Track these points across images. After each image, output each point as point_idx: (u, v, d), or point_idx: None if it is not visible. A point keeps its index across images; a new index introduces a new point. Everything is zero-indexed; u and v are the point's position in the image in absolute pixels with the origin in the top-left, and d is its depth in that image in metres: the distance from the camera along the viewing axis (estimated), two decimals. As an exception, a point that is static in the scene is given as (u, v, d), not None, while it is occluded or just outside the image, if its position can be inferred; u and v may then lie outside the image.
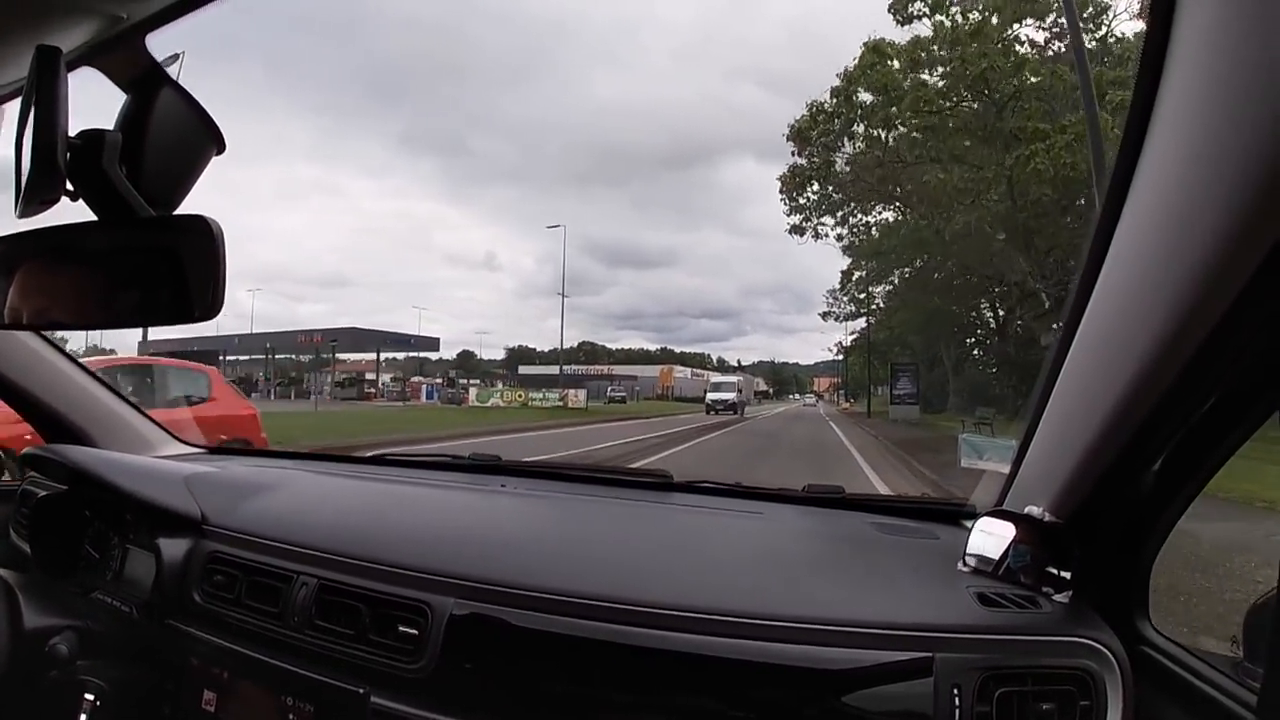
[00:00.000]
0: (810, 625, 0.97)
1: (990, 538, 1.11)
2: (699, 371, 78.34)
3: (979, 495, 1.43)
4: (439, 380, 44.67)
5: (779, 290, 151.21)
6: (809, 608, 1.01)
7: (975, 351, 30.74)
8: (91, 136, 0.72)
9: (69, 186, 0.72)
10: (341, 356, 48.02)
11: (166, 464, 1.74)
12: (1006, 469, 1.26)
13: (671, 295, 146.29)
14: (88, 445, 1.79)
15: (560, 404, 37.78)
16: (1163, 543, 1.00)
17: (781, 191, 20.48)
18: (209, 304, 0.74)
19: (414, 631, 1.11)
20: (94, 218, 0.76)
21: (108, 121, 0.76)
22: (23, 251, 0.83)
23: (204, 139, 0.81)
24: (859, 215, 21.89)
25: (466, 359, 74.85)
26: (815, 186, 20.22)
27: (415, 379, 46.82)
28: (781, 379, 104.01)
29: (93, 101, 0.76)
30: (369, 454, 2.13)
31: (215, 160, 0.82)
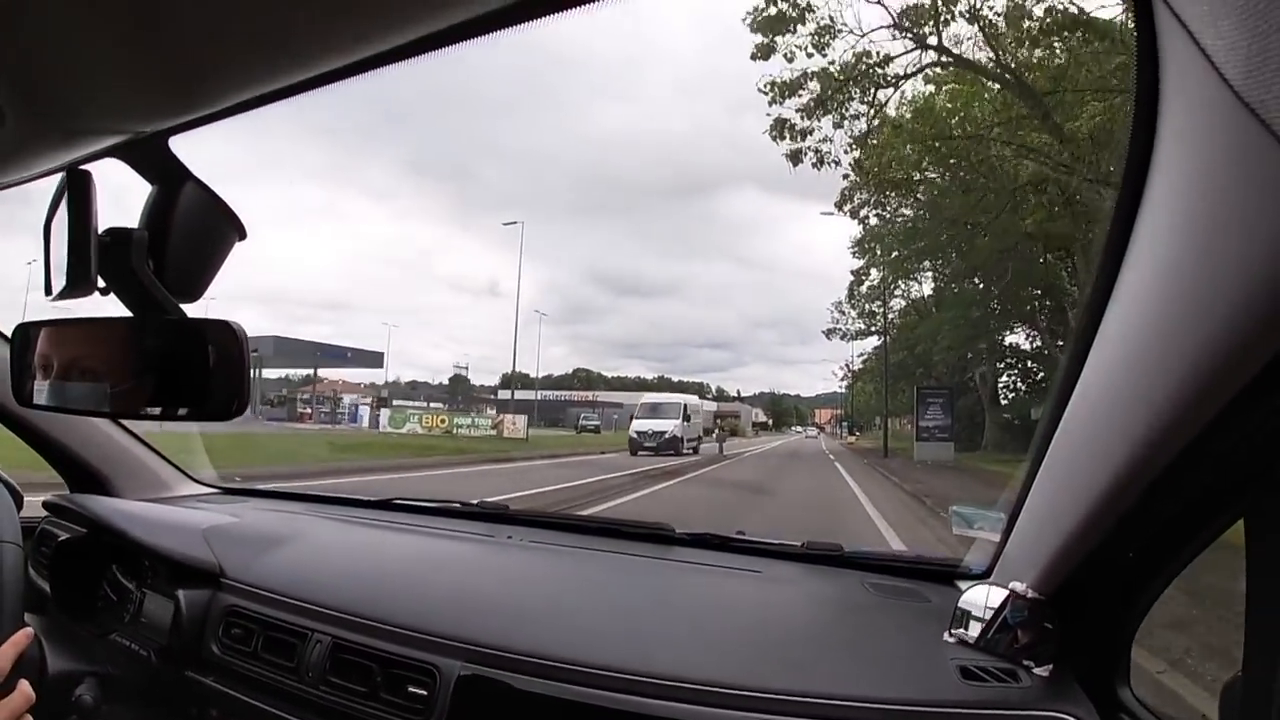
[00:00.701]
0: (800, 698, 1.02)
1: (976, 609, 1.15)
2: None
3: (971, 557, 1.46)
4: (369, 401, 42.58)
5: (780, 322, 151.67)
6: (802, 679, 1.06)
7: (1008, 377, 26.95)
8: (120, 235, 0.77)
9: (100, 283, 0.76)
10: (326, 374, 47.55)
11: (185, 514, 1.79)
12: (997, 537, 1.30)
13: (674, 325, 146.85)
14: (107, 488, 1.86)
15: (493, 432, 32.23)
16: (1144, 616, 1.03)
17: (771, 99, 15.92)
18: (232, 405, 0.78)
19: (423, 692, 1.15)
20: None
21: (134, 208, 0.80)
22: (54, 337, 0.88)
23: (226, 229, 0.85)
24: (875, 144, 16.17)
25: (458, 383, 74.47)
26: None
27: (349, 399, 45.52)
28: (780, 409, 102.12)
29: (117, 192, 0.80)
30: (379, 499, 2.17)
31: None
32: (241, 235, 0.85)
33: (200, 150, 0.80)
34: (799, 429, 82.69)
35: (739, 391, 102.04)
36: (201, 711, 1.35)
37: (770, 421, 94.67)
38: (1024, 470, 1.12)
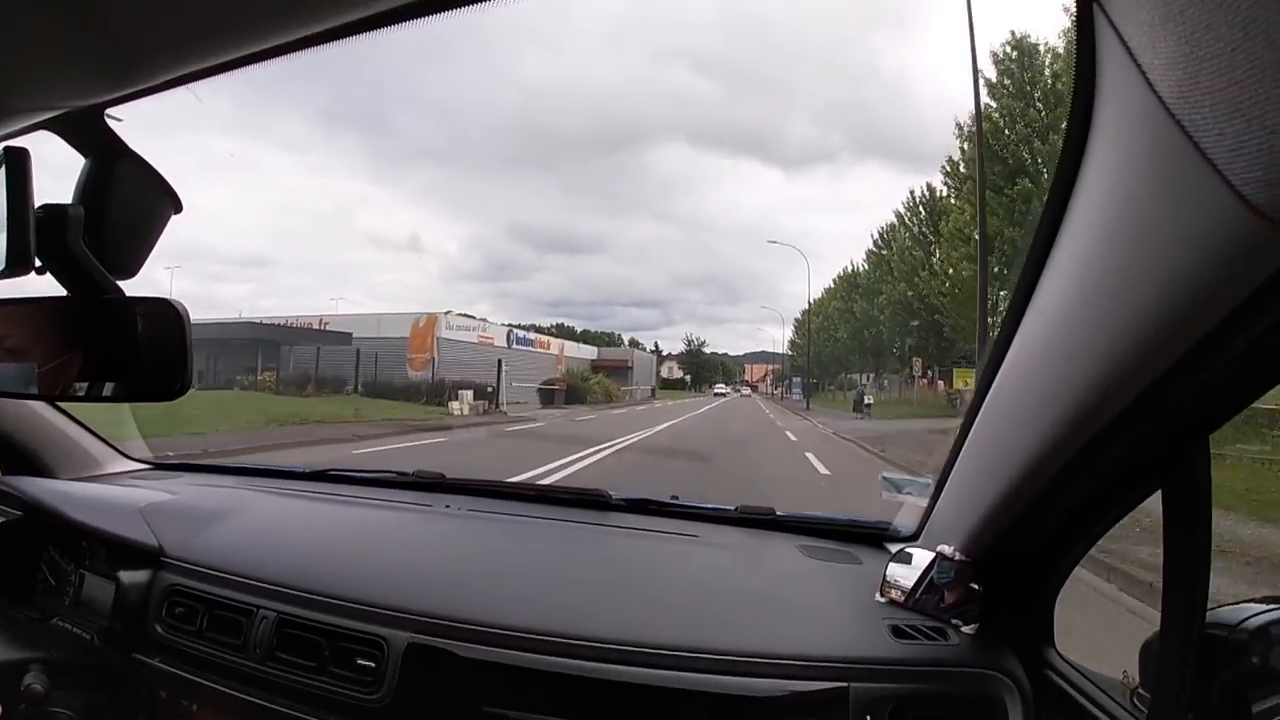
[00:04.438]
0: (740, 657, 1.07)
1: (905, 571, 1.21)
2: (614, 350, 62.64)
3: (900, 520, 1.53)
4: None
5: (707, 281, 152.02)
6: (738, 639, 1.11)
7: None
8: (55, 212, 0.74)
9: (36, 262, 0.73)
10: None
11: (121, 492, 1.75)
12: (925, 503, 1.38)
13: (601, 283, 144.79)
14: (39, 467, 1.81)
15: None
16: (1066, 578, 1.09)
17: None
18: (174, 385, 0.77)
19: (371, 664, 1.16)
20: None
21: (67, 182, 0.77)
22: None
23: (162, 203, 0.83)
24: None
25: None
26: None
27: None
28: (699, 363, 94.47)
29: (52, 164, 0.77)
30: (315, 470, 2.15)
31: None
32: (177, 208, 0.83)
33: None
34: (722, 388, 71.68)
35: (656, 344, 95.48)
36: (150, 693, 1.34)
37: (687, 378, 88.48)
38: (952, 440, 1.17)
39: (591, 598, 1.25)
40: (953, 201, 24.71)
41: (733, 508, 1.73)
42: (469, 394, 22.20)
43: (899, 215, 31.74)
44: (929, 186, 29.86)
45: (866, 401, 25.80)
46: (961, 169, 23.63)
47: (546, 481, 7.06)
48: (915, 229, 30.12)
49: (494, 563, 1.42)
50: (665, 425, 18.30)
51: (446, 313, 29.31)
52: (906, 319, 29.31)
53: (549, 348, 40.70)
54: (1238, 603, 0.91)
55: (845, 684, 1.03)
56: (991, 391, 0.97)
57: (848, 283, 42.61)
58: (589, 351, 50.34)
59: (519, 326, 44.98)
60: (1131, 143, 0.58)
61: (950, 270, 23.28)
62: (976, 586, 1.12)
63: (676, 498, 1.80)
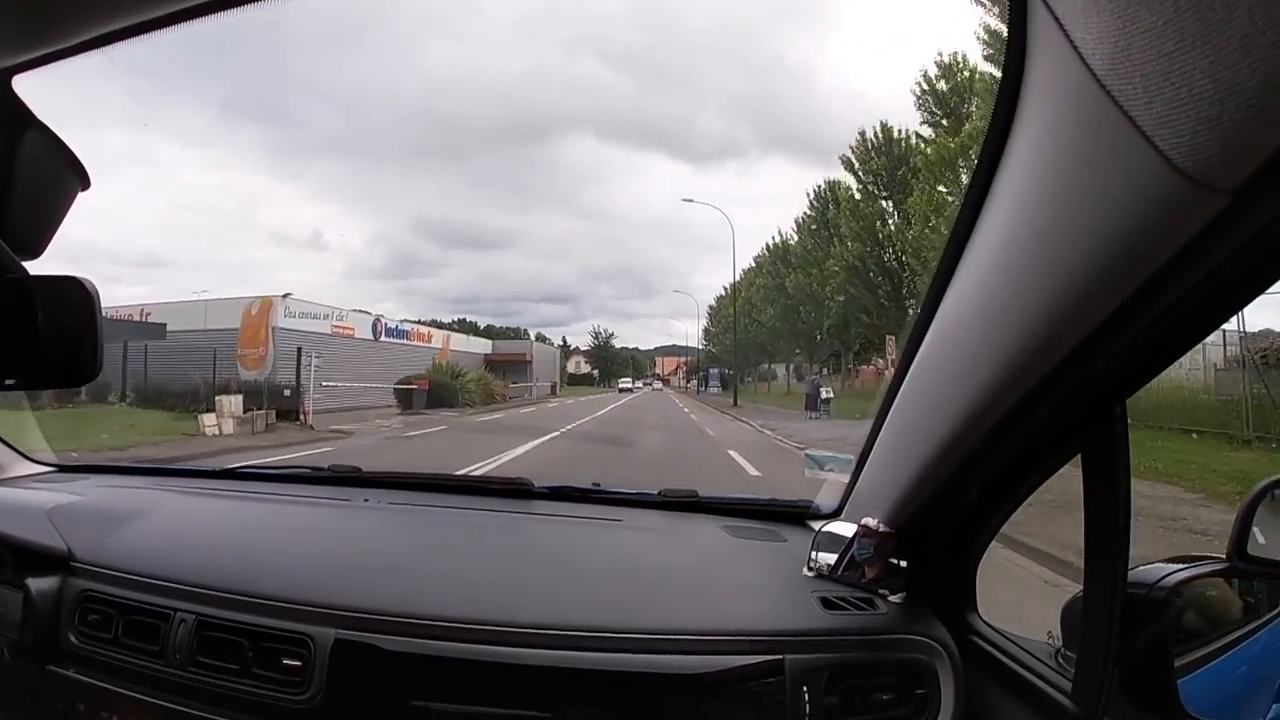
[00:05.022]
0: (672, 635, 1.08)
1: (830, 544, 1.24)
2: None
3: (822, 498, 1.58)
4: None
5: (618, 274, 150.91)
6: (670, 618, 1.12)
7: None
8: None
9: None
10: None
11: (26, 495, 1.67)
12: (846, 479, 1.41)
13: (510, 278, 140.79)
14: None
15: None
16: (986, 547, 1.14)
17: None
18: (84, 371, 0.74)
19: (297, 663, 1.12)
20: None
21: None
22: None
23: (69, 178, 0.78)
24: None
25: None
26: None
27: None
28: (608, 356, 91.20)
29: None
30: (225, 469, 2.09)
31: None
32: (85, 184, 0.79)
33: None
34: (627, 382, 65.97)
35: (565, 339, 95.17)
36: (68, 707, 1.26)
37: (595, 373, 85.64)
38: (874, 418, 1.21)
39: (519, 584, 1.24)
40: (926, 134, 22.46)
41: (656, 492, 1.74)
42: (233, 401, 15.88)
43: (846, 161, 27.50)
44: (883, 125, 26.32)
45: (824, 396, 20.07)
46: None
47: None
48: (870, 177, 26.48)
49: (418, 554, 1.39)
50: (535, 444, 11.77)
51: (285, 295, 23.04)
52: (863, 286, 25.61)
53: (430, 340, 34.35)
54: (1150, 563, 0.96)
55: (780, 656, 1.05)
56: (915, 362, 0.99)
57: (776, 256, 37.91)
58: (482, 345, 44.85)
59: (437, 323, 41.74)
60: (1061, 114, 0.59)
61: (931, 217, 19.24)
62: (896, 561, 1.16)
63: (598, 484, 1.80)
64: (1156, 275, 0.57)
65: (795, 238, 34.67)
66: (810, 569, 1.26)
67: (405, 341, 30.80)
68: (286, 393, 17.98)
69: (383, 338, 28.58)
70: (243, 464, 2.07)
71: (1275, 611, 1.05)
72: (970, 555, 1.16)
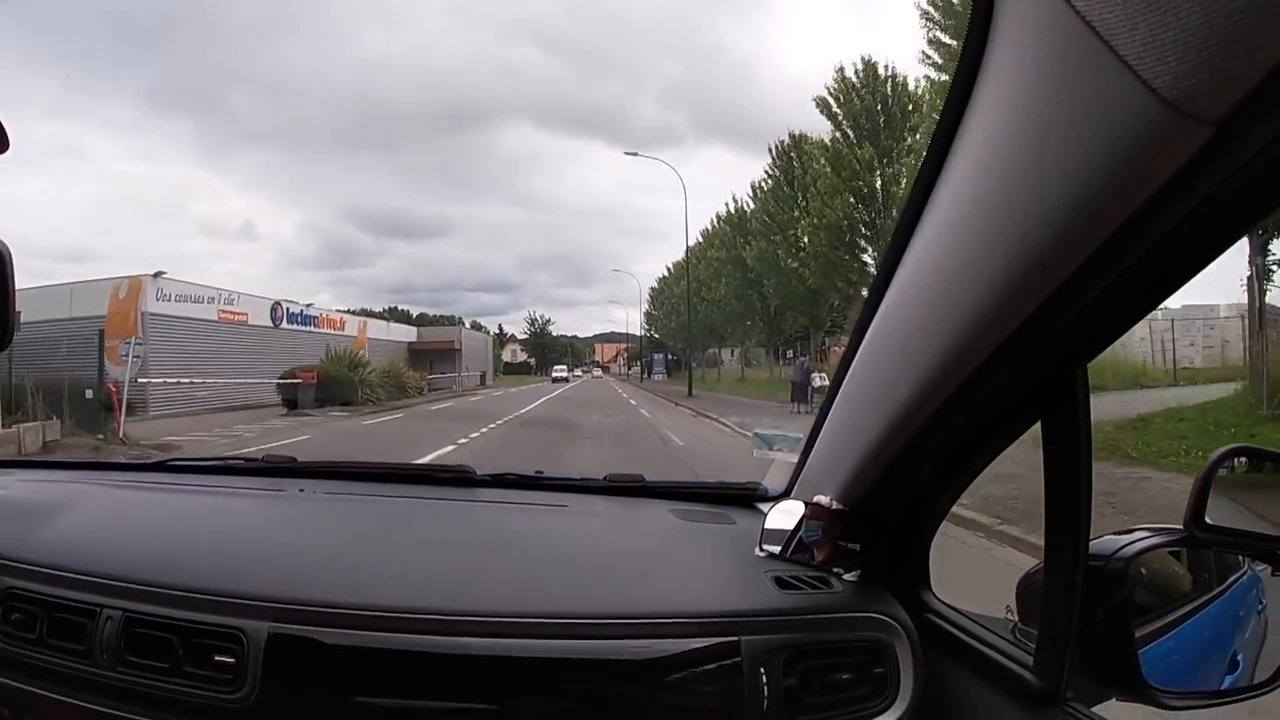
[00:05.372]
0: (624, 619, 1.04)
1: (782, 523, 1.22)
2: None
3: (770, 480, 1.56)
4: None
5: (557, 262, 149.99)
6: (622, 602, 1.08)
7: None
8: None
9: None
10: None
11: None
12: (795, 458, 1.39)
13: (447, 267, 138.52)
14: None
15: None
16: (939, 525, 1.13)
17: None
18: None
19: (230, 660, 1.05)
20: None
21: None
22: None
23: None
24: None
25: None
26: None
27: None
28: (545, 344, 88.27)
29: None
30: (152, 461, 2.01)
31: None
32: (4, 145, 0.75)
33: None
34: (562, 370, 62.21)
35: (501, 326, 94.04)
36: None
37: (532, 361, 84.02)
38: (825, 397, 1.19)
39: (465, 572, 1.18)
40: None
41: (601, 477, 1.71)
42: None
43: (822, 103, 23.44)
44: (865, 61, 22.66)
45: (816, 384, 16.61)
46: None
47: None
48: (851, 120, 22.79)
49: (357, 544, 1.33)
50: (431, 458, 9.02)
51: (157, 274, 19.82)
52: (844, 249, 22.15)
53: (342, 327, 31.13)
54: (1103, 535, 0.95)
55: (736, 638, 1.01)
56: (870, 329, 0.96)
57: (731, 224, 34.89)
58: (407, 333, 41.98)
59: (368, 312, 39.64)
60: (1037, 46, 0.56)
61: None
62: (845, 543, 1.14)
63: (541, 472, 1.75)
64: (1138, 213, 0.55)
65: (752, 204, 31.66)
66: (763, 549, 1.23)
67: (311, 329, 28.01)
68: (88, 394, 13.63)
69: (284, 324, 26.19)
70: (171, 458, 2.00)
71: (1227, 582, 1.05)
72: (923, 534, 1.14)
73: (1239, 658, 1.02)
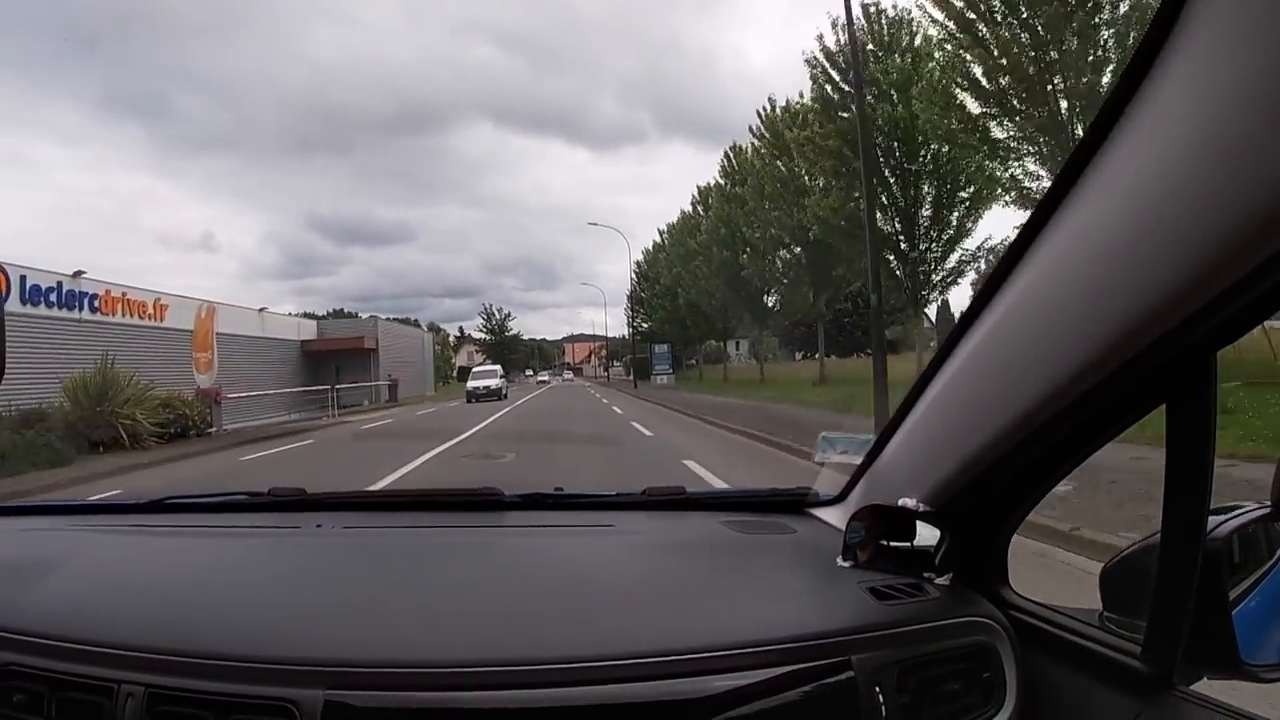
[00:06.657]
0: (721, 651, 0.94)
1: (863, 529, 1.17)
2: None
3: (821, 484, 1.51)
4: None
5: (520, 265, 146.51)
6: (712, 632, 0.98)
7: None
8: None
9: None
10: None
11: None
12: (859, 460, 1.35)
13: (410, 273, 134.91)
14: None
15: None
16: (1027, 514, 1.10)
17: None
18: None
19: None
20: None
21: None
22: None
23: None
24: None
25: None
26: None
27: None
28: (505, 345, 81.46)
29: None
30: (148, 501, 1.79)
31: None
32: None
33: None
34: (529, 374, 59.46)
35: (462, 329, 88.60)
36: None
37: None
38: (905, 398, 1.15)
39: (529, 613, 1.06)
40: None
41: (639, 491, 1.62)
42: None
43: (811, 61, 21.13)
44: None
45: None
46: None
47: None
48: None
49: (397, 589, 1.19)
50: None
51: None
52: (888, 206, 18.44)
53: (160, 317, 21.15)
54: None
55: (845, 657, 0.95)
56: (977, 333, 0.93)
57: (721, 195, 32.60)
58: (290, 328, 30.60)
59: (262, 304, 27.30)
60: (1231, 39, 0.52)
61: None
62: (944, 538, 1.10)
63: (560, 489, 1.66)
64: None
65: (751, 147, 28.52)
66: (845, 559, 1.19)
67: (90, 315, 18.81)
68: None
69: (40, 307, 17.33)
70: (168, 496, 1.76)
71: None
72: (1005, 531, 1.12)
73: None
